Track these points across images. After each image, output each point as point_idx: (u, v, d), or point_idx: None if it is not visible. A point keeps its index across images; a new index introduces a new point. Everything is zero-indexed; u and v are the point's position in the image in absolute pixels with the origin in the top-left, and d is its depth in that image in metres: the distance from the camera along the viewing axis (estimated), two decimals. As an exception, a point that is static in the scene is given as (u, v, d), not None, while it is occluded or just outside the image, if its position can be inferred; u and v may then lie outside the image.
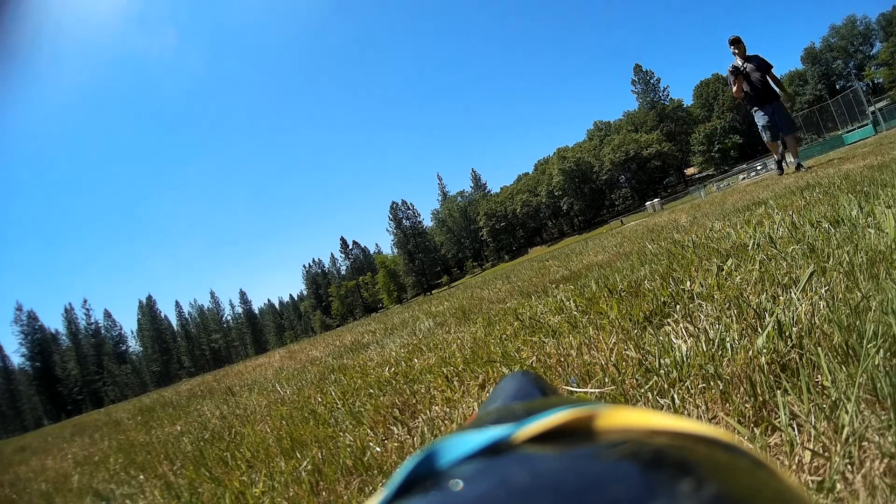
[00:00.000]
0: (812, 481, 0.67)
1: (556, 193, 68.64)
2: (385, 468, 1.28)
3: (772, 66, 7.49)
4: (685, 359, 1.15)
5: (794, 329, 1.09)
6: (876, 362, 0.82)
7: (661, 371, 1.15)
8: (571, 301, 2.47)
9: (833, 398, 0.80)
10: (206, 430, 3.05)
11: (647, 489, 0.14)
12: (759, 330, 1.17)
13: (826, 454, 0.70)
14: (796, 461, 0.71)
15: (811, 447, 0.72)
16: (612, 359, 1.37)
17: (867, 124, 23.90)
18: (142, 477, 2.44)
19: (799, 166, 7.41)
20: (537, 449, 0.18)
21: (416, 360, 2.58)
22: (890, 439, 0.67)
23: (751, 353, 1.05)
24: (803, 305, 1.22)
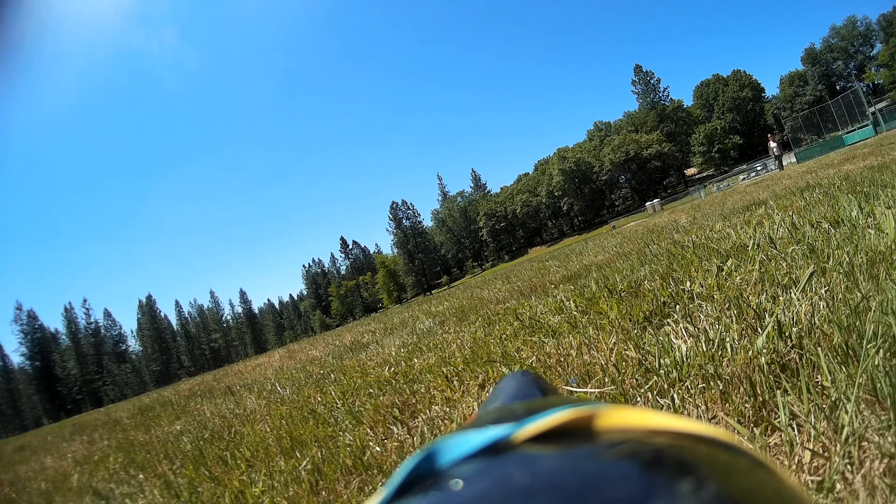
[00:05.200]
0: (812, 481, 0.67)
1: (556, 194, 68.61)
2: (385, 468, 1.28)
3: None
4: (685, 359, 1.15)
5: (793, 329, 1.09)
6: (876, 362, 0.83)
7: (661, 371, 1.15)
8: (571, 301, 2.47)
9: (833, 398, 0.80)
10: (206, 429, 3.05)
11: (647, 489, 0.14)
12: (759, 330, 1.17)
13: (826, 454, 0.70)
14: (796, 461, 0.71)
15: (811, 447, 0.72)
16: (612, 359, 1.37)
17: (867, 125, 23.89)
18: (141, 476, 2.44)
19: None
20: (537, 449, 0.18)
21: (415, 360, 2.58)
22: (890, 439, 0.67)
23: (751, 353, 1.05)
24: (803, 306, 1.22)
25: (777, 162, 23.67)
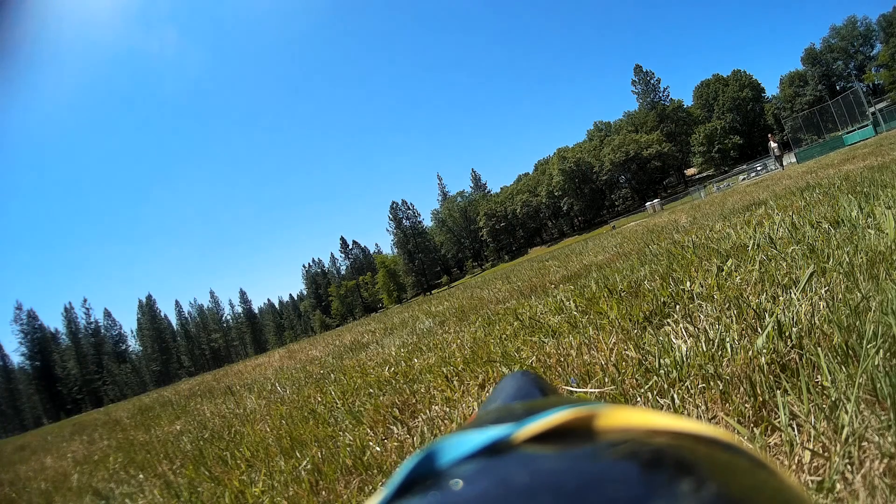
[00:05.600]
0: (812, 481, 0.67)
1: (556, 194, 68.62)
2: (385, 468, 1.28)
3: None
4: (685, 359, 1.15)
5: (793, 329, 1.09)
6: (876, 362, 0.83)
7: (661, 371, 1.15)
8: (571, 301, 2.47)
9: (833, 398, 0.80)
10: (206, 429, 3.05)
11: (647, 489, 0.14)
12: (759, 330, 1.17)
13: (826, 454, 0.70)
14: (796, 461, 0.71)
15: (811, 447, 0.72)
16: (612, 359, 1.37)
17: (867, 125, 23.89)
18: (141, 476, 2.44)
19: None
20: (537, 449, 0.18)
21: (415, 360, 2.58)
22: (890, 439, 0.67)
23: (751, 353, 1.05)
24: (803, 306, 1.22)
25: (777, 162, 23.67)
